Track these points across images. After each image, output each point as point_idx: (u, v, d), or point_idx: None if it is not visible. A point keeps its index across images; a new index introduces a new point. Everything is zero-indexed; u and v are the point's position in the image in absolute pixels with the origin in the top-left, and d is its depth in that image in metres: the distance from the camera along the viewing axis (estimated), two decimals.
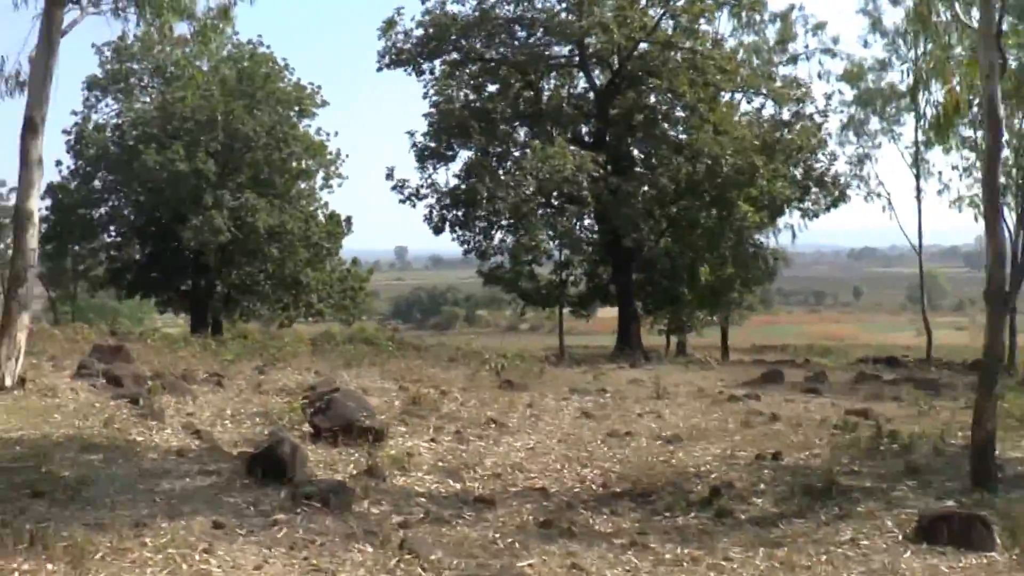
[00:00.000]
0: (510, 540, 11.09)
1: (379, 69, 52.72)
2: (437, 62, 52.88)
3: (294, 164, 58.79)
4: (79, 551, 9.01)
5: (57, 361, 23.84)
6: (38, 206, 20.86)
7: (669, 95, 51.22)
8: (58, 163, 57.05)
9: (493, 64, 52.79)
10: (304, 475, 12.55)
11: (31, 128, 20.04)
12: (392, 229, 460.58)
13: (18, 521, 9.89)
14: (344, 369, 27.59)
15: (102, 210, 58.76)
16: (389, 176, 53.15)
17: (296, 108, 58.85)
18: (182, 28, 22.05)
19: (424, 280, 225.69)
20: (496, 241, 53.67)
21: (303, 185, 60.70)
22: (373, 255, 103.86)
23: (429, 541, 10.64)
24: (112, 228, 59.66)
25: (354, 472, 13.71)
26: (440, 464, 14.92)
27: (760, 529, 11.82)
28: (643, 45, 50.61)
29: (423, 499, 12.77)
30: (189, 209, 52.41)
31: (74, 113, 58.72)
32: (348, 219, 60.74)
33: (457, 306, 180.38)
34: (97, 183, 58.24)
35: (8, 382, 18.88)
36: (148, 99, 59.77)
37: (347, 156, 61.31)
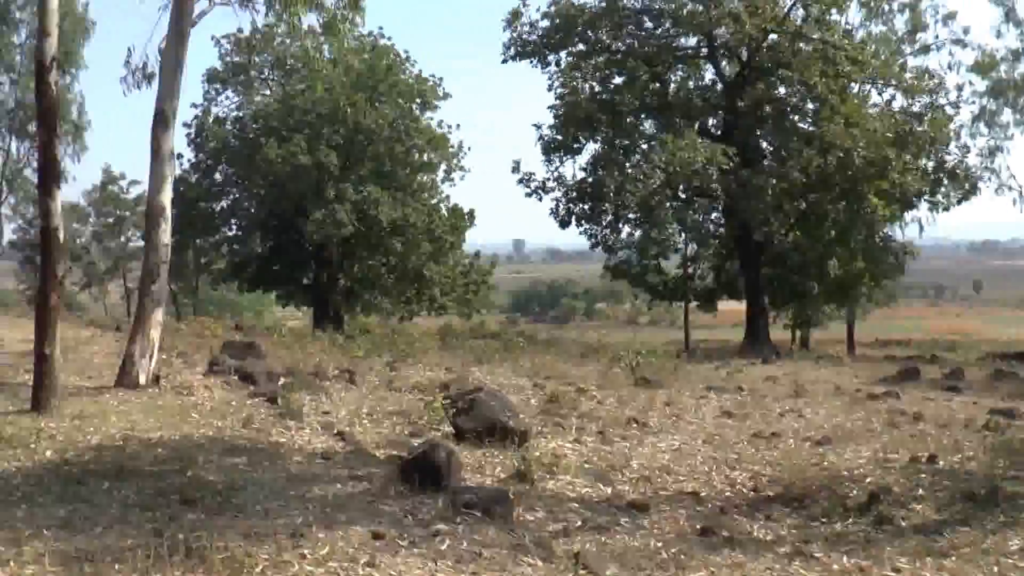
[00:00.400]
0: (673, 550, 10.60)
1: (504, 61, 52.83)
2: (563, 53, 52.83)
3: (416, 157, 58.76)
4: (238, 564, 8.58)
5: (187, 357, 23.70)
6: (169, 200, 20.54)
7: (799, 87, 50.58)
8: (179, 156, 57.00)
9: (620, 56, 52.54)
10: (457, 481, 12.15)
11: (162, 121, 19.78)
12: (510, 222, 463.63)
13: (171, 530, 9.51)
14: (475, 365, 27.39)
15: (223, 203, 59.61)
16: (515, 169, 52.99)
17: (418, 100, 58.73)
18: (310, 19, 21.88)
19: (542, 273, 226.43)
20: (623, 235, 53.66)
21: (425, 178, 60.62)
22: (491, 248, 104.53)
23: (597, 553, 10.18)
24: (233, 221, 60.35)
25: (502, 476, 13.38)
26: (587, 466, 14.50)
27: (924, 538, 11.18)
28: (772, 36, 50.00)
29: (576, 504, 12.35)
30: (311, 202, 52.62)
31: (194, 106, 59.80)
32: (471, 212, 60.87)
33: (576, 299, 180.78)
34: (218, 176, 59.15)
35: (143, 380, 18.73)
36: (268, 92, 60.19)
37: (469, 149, 61.47)
